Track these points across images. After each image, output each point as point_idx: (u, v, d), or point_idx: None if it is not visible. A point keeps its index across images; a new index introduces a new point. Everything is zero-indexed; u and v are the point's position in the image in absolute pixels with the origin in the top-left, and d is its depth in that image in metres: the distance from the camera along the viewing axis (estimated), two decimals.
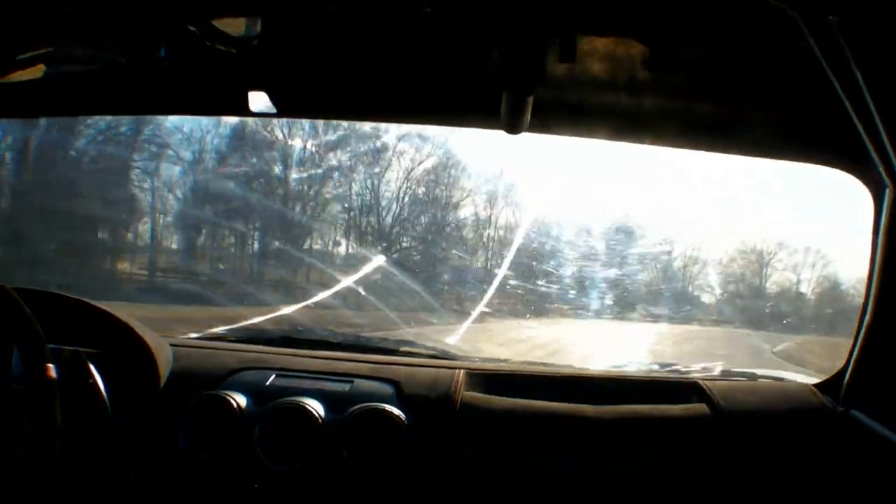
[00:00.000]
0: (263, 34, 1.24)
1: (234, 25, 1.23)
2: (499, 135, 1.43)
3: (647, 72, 1.30)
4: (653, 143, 1.57)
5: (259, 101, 1.43)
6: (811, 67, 1.17)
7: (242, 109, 1.46)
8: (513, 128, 1.38)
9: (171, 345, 1.48)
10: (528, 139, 1.49)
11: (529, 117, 1.32)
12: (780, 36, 1.11)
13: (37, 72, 1.36)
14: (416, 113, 1.55)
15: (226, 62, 1.35)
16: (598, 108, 1.47)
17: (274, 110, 1.47)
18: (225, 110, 1.62)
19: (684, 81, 1.34)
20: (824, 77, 1.18)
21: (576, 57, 1.25)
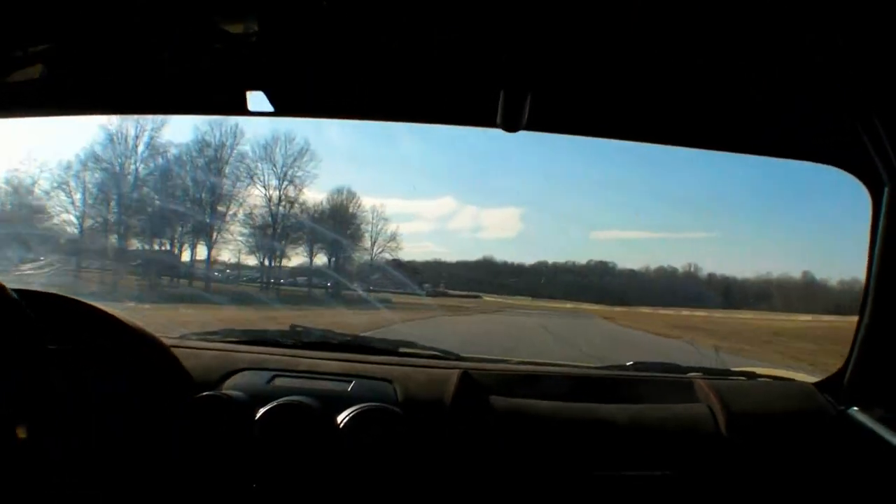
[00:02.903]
0: (261, 34, 1.24)
1: (232, 25, 1.23)
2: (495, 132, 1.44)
3: (648, 69, 1.30)
4: (652, 140, 1.57)
5: (257, 100, 1.43)
6: (810, 67, 1.17)
7: (240, 109, 1.47)
8: (511, 125, 1.38)
9: (171, 346, 1.48)
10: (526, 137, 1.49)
11: (527, 115, 1.32)
12: (779, 37, 1.11)
13: (35, 72, 1.36)
14: (414, 111, 1.55)
15: (224, 62, 1.35)
16: (596, 105, 1.47)
17: (271, 109, 1.47)
18: (223, 110, 1.62)
19: (684, 80, 1.34)
20: (823, 76, 1.18)
21: (574, 55, 1.25)
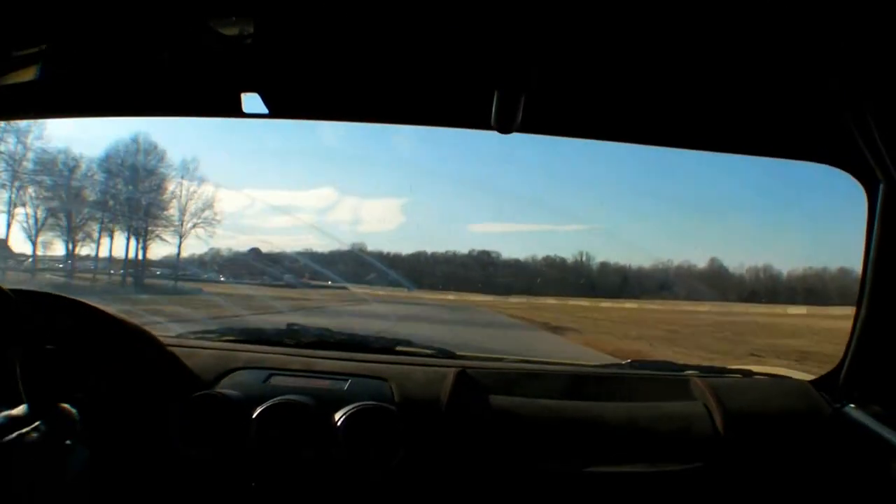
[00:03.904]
0: (256, 36, 1.24)
1: (226, 27, 1.23)
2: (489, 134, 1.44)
3: (642, 70, 1.30)
4: (647, 141, 1.58)
5: (252, 102, 1.43)
6: (803, 66, 1.18)
7: (235, 111, 1.47)
8: (504, 127, 1.38)
9: (168, 345, 1.48)
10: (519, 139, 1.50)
11: (521, 116, 1.32)
12: (771, 35, 1.11)
13: (30, 73, 1.36)
14: (409, 113, 1.54)
15: (219, 64, 1.35)
16: (590, 107, 1.47)
17: (266, 111, 1.47)
18: (218, 112, 1.62)
19: (678, 81, 1.34)
20: (818, 76, 1.18)
21: (569, 56, 1.25)
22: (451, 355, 1.67)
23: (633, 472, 1.36)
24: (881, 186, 1.36)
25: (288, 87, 1.45)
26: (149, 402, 1.34)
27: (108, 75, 1.41)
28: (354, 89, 1.45)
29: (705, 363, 1.73)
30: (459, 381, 1.44)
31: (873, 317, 1.43)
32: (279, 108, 1.50)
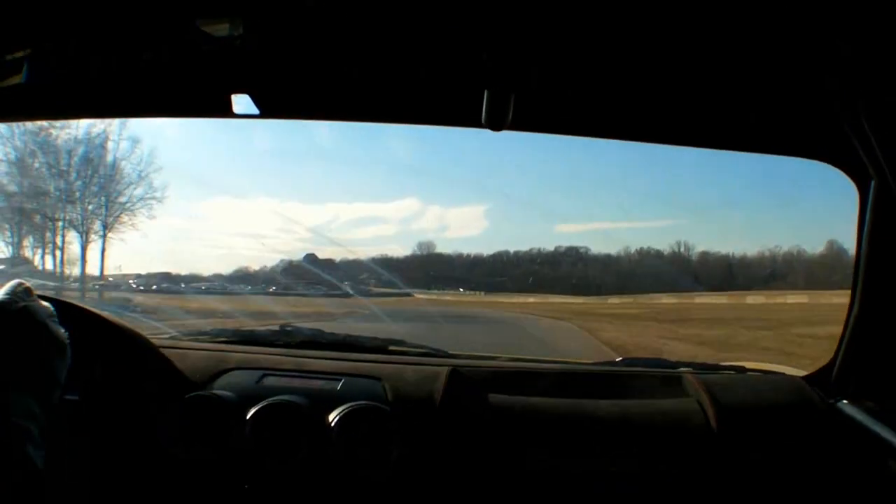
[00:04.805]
0: (246, 36, 1.24)
1: (216, 27, 1.22)
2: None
3: (632, 67, 1.30)
4: (639, 138, 1.58)
5: (242, 103, 1.42)
6: (796, 63, 1.18)
7: (226, 111, 1.46)
8: (495, 125, 1.38)
9: (161, 346, 1.47)
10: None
11: (512, 114, 1.32)
12: (765, 33, 1.11)
13: (17, 76, 1.35)
14: (400, 111, 1.54)
15: (209, 64, 1.34)
16: (581, 104, 1.47)
17: (257, 112, 1.46)
18: (208, 112, 1.61)
19: (670, 78, 1.34)
20: (811, 72, 1.19)
21: (558, 54, 1.25)
22: (444, 354, 1.67)
23: (627, 469, 1.37)
24: (872, 184, 1.37)
25: (278, 87, 1.45)
26: (142, 403, 1.33)
27: (98, 77, 1.40)
28: (345, 88, 1.45)
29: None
30: (452, 379, 1.44)
31: (866, 312, 1.44)
32: (270, 109, 1.50)
